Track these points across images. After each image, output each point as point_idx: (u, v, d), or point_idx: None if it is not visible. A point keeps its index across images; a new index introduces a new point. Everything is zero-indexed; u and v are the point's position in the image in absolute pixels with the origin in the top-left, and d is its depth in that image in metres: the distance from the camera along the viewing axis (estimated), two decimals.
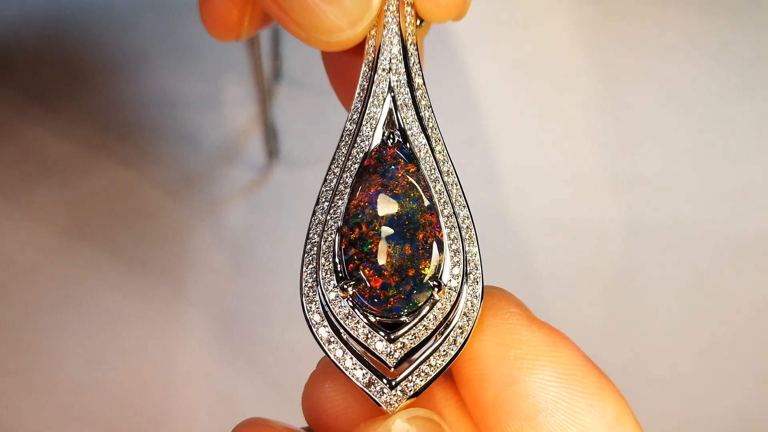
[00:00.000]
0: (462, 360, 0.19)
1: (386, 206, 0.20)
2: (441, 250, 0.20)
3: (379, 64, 0.21)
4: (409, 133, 0.21)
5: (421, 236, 0.20)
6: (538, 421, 0.18)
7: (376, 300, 0.19)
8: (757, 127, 0.50)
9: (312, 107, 0.48)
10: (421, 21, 0.22)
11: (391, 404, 0.19)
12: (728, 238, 0.45)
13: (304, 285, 0.20)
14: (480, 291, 0.20)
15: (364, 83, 0.21)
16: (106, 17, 0.50)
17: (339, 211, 0.20)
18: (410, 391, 0.19)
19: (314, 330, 0.19)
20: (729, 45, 0.52)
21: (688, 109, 0.50)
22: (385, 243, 0.19)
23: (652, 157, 0.48)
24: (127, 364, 0.40)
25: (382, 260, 0.19)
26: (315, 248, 0.20)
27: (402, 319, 0.19)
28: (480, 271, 0.20)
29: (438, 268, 0.20)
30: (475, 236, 0.20)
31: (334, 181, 0.20)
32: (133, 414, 0.39)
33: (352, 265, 0.19)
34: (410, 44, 0.21)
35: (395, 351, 0.19)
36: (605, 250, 0.45)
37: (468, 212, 0.20)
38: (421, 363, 0.19)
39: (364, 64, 0.21)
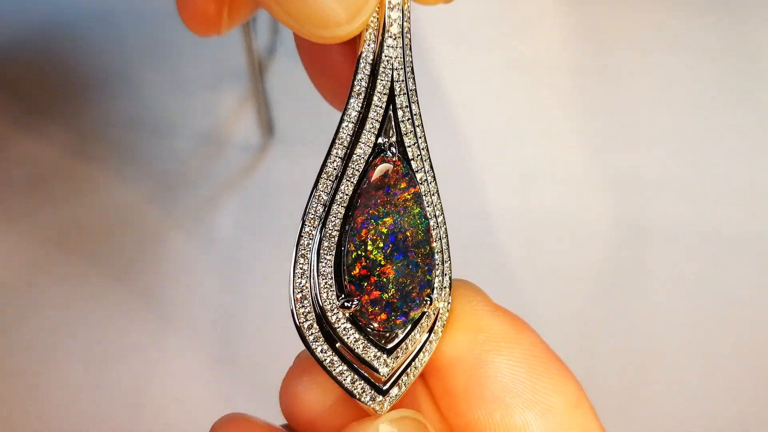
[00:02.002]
0: (434, 351, 0.20)
1: (390, 223, 0.20)
2: (435, 265, 0.20)
3: (380, 65, 0.20)
4: (406, 142, 0.20)
5: (421, 254, 0.20)
6: (507, 401, 0.19)
7: (378, 318, 0.19)
8: (757, 127, 0.50)
9: (310, 95, 0.48)
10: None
11: (381, 408, 0.19)
12: (728, 237, 0.45)
13: (295, 291, 0.20)
14: (449, 289, 0.20)
15: (362, 83, 0.20)
16: (99, 27, 0.50)
17: (338, 220, 0.19)
18: (396, 396, 0.20)
19: (305, 335, 0.19)
20: (729, 44, 0.52)
21: (687, 109, 0.50)
22: (389, 262, 0.19)
23: (651, 157, 0.48)
24: (126, 364, 0.40)
25: (385, 279, 0.19)
26: (310, 255, 0.20)
27: (396, 331, 0.20)
28: (450, 276, 0.20)
29: (431, 282, 0.20)
30: (448, 245, 0.20)
31: (331, 186, 0.20)
32: (133, 414, 0.39)
33: (354, 281, 0.19)
34: (406, 44, 0.20)
35: (390, 361, 0.19)
36: (605, 251, 0.45)
37: (444, 219, 0.20)
38: (406, 368, 0.20)
39: (361, 60, 0.20)
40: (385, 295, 0.19)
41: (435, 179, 0.20)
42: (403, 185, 0.20)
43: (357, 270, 0.19)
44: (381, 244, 0.19)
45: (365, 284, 0.19)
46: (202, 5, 0.23)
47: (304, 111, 0.47)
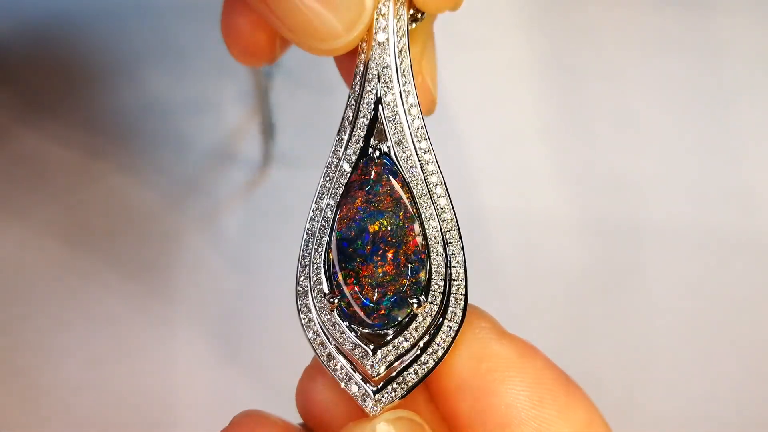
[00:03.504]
0: (437, 373, 0.20)
1: (369, 223, 0.20)
2: (423, 265, 0.20)
3: (368, 74, 0.21)
4: (396, 145, 0.21)
5: (402, 253, 0.20)
6: (512, 429, 0.19)
7: (357, 315, 0.20)
8: (757, 127, 0.50)
9: (311, 104, 0.48)
10: (422, 14, 0.22)
11: (374, 408, 0.20)
12: (728, 237, 0.45)
13: (298, 291, 0.21)
14: (463, 304, 0.20)
15: (356, 89, 0.21)
16: (104, 21, 0.50)
17: (328, 223, 0.21)
18: (391, 398, 0.20)
19: (306, 334, 0.21)
20: (729, 45, 0.52)
21: (687, 109, 0.50)
22: (368, 260, 0.20)
23: (650, 157, 0.48)
24: (127, 364, 0.40)
25: (363, 277, 0.20)
26: (308, 257, 0.21)
27: (385, 331, 0.20)
28: (464, 283, 0.20)
29: (419, 283, 0.20)
30: (460, 249, 0.20)
31: (324, 190, 0.21)
32: (133, 414, 0.39)
33: (337, 279, 0.20)
34: (401, 50, 0.21)
35: (377, 362, 0.20)
36: (604, 251, 0.45)
37: (455, 225, 0.21)
38: (402, 372, 0.20)
39: (355, 71, 0.21)
40: (364, 292, 0.20)
41: (442, 181, 0.21)
42: (387, 186, 0.20)
43: (338, 268, 0.20)
44: (360, 243, 0.20)
45: (346, 281, 0.20)
46: (252, 35, 0.23)
47: (310, 130, 0.48)
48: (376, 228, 0.20)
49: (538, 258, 0.45)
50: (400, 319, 0.20)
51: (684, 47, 0.52)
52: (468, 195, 0.46)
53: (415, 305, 0.20)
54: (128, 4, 0.51)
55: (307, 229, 0.21)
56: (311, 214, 0.21)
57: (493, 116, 0.50)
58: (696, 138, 0.49)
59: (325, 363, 0.20)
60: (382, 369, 0.20)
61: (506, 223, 0.45)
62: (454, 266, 0.20)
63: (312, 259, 0.21)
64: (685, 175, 0.48)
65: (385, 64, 0.21)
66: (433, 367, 0.20)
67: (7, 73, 0.48)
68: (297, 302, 0.21)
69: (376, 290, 0.20)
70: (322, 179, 0.21)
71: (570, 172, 0.48)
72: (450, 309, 0.20)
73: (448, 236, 0.20)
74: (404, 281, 0.20)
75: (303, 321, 0.21)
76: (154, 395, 0.40)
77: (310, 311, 0.21)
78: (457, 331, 0.20)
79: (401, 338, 0.20)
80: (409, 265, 0.20)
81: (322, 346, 0.20)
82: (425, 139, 0.21)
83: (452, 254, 0.20)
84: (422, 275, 0.20)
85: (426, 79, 0.24)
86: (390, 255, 0.20)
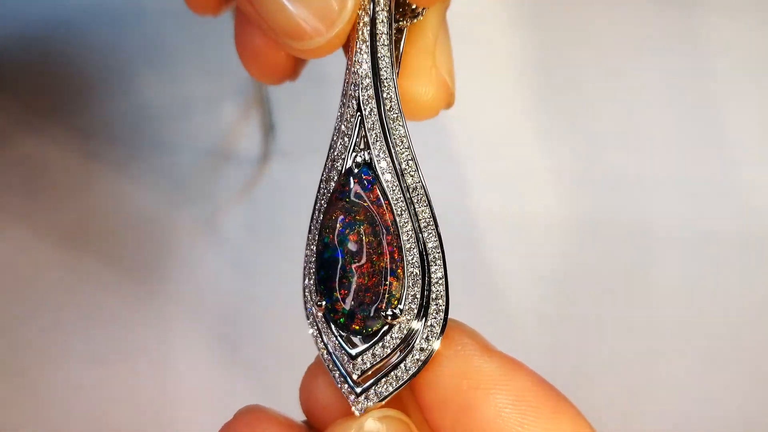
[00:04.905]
0: (420, 387, 0.20)
1: (349, 232, 0.20)
2: (398, 277, 0.20)
3: (351, 78, 0.21)
4: (375, 154, 0.20)
5: (378, 263, 0.20)
6: None
7: (337, 322, 0.21)
8: (757, 126, 0.50)
9: (311, 98, 0.48)
10: (423, 9, 0.21)
11: (357, 409, 0.20)
12: (728, 237, 0.45)
13: (303, 291, 0.21)
14: (443, 315, 0.20)
15: (342, 95, 0.21)
16: (101, 25, 0.50)
17: (317, 230, 0.21)
18: (371, 401, 0.20)
19: (310, 330, 0.21)
20: (728, 45, 0.52)
21: (685, 108, 0.50)
22: (345, 269, 0.20)
23: (649, 157, 0.48)
24: (127, 364, 0.40)
25: (342, 286, 0.20)
26: (308, 260, 0.21)
27: (364, 337, 0.21)
28: (444, 295, 0.20)
29: (393, 294, 0.20)
30: (442, 261, 0.20)
31: (318, 196, 0.21)
32: (133, 414, 0.39)
33: (321, 285, 0.21)
34: (384, 55, 0.20)
35: (357, 366, 0.20)
36: (603, 252, 0.45)
37: (436, 235, 0.20)
38: (382, 377, 0.20)
39: (345, 74, 0.21)
40: (343, 299, 0.20)
41: (419, 190, 0.20)
42: (365, 197, 0.20)
43: (322, 274, 0.21)
44: (338, 252, 0.20)
45: (328, 287, 0.21)
46: (271, 53, 0.22)
47: (307, 119, 0.48)
48: (355, 238, 0.20)
49: (536, 259, 0.45)
50: (375, 328, 0.20)
51: (683, 47, 0.52)
52: (465, 197, 0.46)
53: (390, 317, 0.20)
54: (125, 7, 0.51)
55: (310, 230, 0.21)
56: (311, 220, 0.21)
57: (490, 116, 0.50)
58: (695, 137, 0.49)
59: (321, 359, 0.21)
60: (363, 372, 0.20)
61: (504, 224, 0.45)
62: (433, 277, 0.20)
63: (307, 264, 0.21)
64: (685, 175, 0.48)
65: (364, 68, 0.20)
66: (413, 375, 0.20)
67: (5, 77, 0.48)
68: (304, 300, 0.21)
69: (352, 299, 0.20)
70: (319, 184, 0.21)
71: (568, 172, 0.48)
72: (429, 320, 0.20)
73: (429, 247, 0.20)
74: (379, 291, 0.20)
75: (308, 322, 0.21)
76: (155, 395, 0.40)
77: (311, 312, 0.21)
78: (436, 343, 0.20)
79: (379, 346, 0.20)
80: (384, 276, 0.20)
81: (321, 347, 0.21)
82: (407, 148, 0.20)
83: (431, 265, 0.20)
84: (396, 287, 0.20)
85: (442, 71, 0.23)
86: (366, 265, 0.20)
